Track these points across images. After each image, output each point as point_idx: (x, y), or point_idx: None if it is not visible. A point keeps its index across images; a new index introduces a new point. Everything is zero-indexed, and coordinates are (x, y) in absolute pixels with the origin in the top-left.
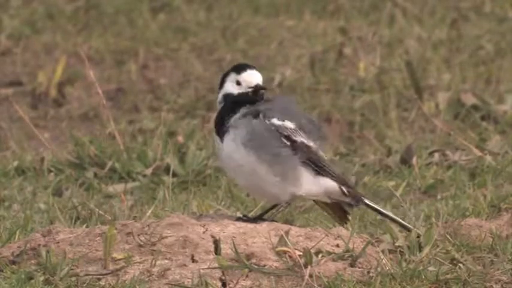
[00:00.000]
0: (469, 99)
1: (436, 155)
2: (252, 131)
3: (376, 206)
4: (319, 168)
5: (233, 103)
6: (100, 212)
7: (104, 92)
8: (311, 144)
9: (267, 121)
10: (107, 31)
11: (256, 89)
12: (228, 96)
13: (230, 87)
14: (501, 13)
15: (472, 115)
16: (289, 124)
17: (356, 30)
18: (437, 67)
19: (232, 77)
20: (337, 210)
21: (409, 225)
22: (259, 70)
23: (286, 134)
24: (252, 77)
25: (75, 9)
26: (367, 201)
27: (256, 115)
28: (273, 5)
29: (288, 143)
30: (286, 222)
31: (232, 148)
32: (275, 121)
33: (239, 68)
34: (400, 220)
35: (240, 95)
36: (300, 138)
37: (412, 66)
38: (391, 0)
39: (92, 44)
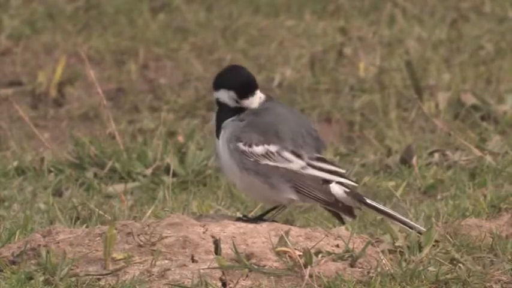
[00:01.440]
0: (469, 99)
1: (436, 155)
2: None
3: (379, 206)
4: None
5: (229, 111)
6: (100, 212)
7: (104, 92)
8: (284, 166)
9: (231, 145)
10: (107, 31)
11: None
12: (224, 105)
13: (227, 99)
14: (501, 13)
15: (472, 115)
16: (257, 149)
17: (356, 30)
18: (437, 67)
19: (232, 94)
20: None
21: (413, 224)
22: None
23: (252, 159)
24: (252, 104)
25: (75, 9)
26: (368, 201)
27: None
28: (273, 5)
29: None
30: (287, 222)
31: (223, 148)
32: (240, 145)
33: (241, 93)
34: (404, 219)
35: (236, 107)
36: (268, 161)
37: (412, 66)
38: (391, 0)
39: (92, 44)
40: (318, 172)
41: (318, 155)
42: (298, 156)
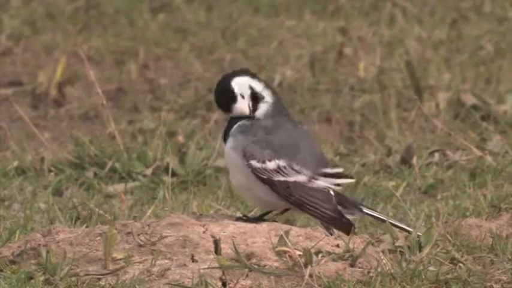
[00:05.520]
0: (469, 99)
1: (436, 155)
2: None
3: (375, 214)
4: (302, 208)
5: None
6: (100, 212)
7: (104, 92)
8: (296, 179)
9: (245, 161)
10: (107, 31)
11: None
12: None
13: None
14: (501, 13)
15: (472, 115)
16: (270, 165)
17: (356, 30)
18: (437, 67)
19: None
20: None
21: (411, 230)
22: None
23: (264, 176)
24: (237, 112)
25: (75, 9)
26: (365, 210)
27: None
28: (273, 5)
29: (266, 186)
30: (287, 222)
31: (231, 155)
32: (254, 163)
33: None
34: (402, 225)
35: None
36: (281, 177)
37: (412, 66)
38: (391, 0)
39: (92, 44)
40: (325, 182)
41: (324, 171)
42: (306, 168)
